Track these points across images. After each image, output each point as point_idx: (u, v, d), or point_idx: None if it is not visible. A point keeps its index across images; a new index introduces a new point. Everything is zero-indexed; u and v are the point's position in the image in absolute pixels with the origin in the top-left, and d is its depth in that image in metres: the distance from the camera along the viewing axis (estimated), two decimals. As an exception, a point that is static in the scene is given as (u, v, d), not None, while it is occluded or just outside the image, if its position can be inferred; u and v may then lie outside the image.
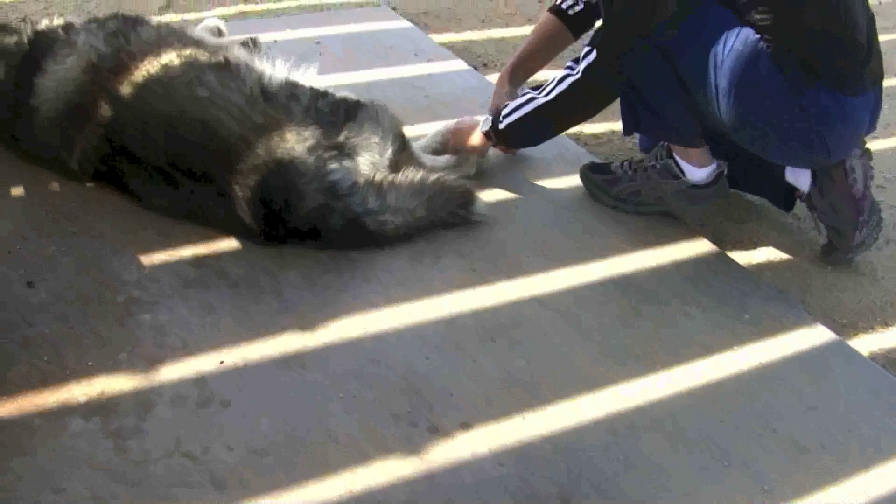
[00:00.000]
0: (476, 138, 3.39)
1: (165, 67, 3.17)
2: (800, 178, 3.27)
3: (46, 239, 3.01)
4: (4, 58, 3.33)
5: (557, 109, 3.17)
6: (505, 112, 3.27)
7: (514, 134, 3.30)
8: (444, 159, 3.44)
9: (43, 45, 3.31)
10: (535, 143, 3.48)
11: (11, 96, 3.28)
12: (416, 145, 3.42)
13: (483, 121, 3.37)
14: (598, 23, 3.19)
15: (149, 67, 3.16)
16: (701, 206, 3.29)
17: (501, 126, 3.27)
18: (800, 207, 3.45)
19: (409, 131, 3.40)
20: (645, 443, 2.49)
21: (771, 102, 2.92)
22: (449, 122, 3.55)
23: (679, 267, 3.15)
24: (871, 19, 3.03)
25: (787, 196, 3.39)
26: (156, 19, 3.60)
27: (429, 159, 3.40)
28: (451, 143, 3.48)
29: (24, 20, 3.44)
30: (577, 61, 3.10)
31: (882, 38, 3.11)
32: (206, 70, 3.17)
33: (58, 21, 3.44)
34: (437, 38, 4.73)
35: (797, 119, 2.93)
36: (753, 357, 2.80)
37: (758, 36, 2.87)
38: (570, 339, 2.80)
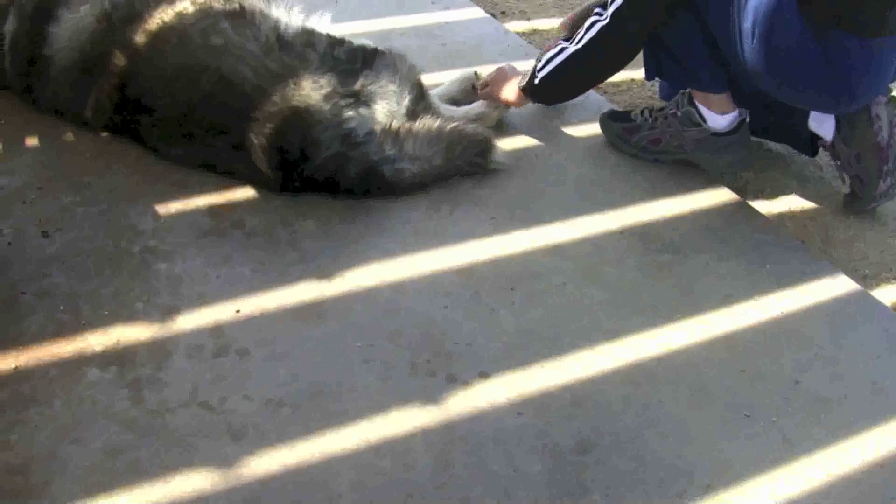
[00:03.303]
0: (511, 92, 3.34)
1: (179, 15, 3.14)
2: (823, 126, 3.22)
3: (62, 190, 3.01)
4: (18, 7, 3.31)
5: (588, 57, 3.10)
6: (539, 66, 3.21)
7: (550, 88, 3.24)
8: (462, 108, 3.40)
9: (56, -6, 3.28)
10: (571, 97, 3.42)
11: (25, 46, 3.26)
12: (433, 94, 3.39)
13: (521, 75, 3.32)
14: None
15: (163, 16, 3.13)
16: (722, 154, 3.25)
17: (537, 81, 3.22)
18: (822, 157, 3.40)
19: (426, 80, 3.35)
20: (665, 394, 2.47)
21: (793, 44, 2.86)
22: (467, 70, 3.54)
23: (699, 217, 3.11)
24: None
25: (811, 142, 3.34)
26: (170, -34, 3.57)
27: (446, 108, 3.37)
28: (485, 90, 3.44)
29: (37, -32, 3.41)
30: (604, 6, 3.05)
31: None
32: (221, 18, 3.14)
33: (71, -31, 3.41)
34: (455, -15, 4.68)
35: (820, 61, 2.88)
36: (775, 308, 2.77)
37: (780, -23, 2.83)
38: (588, 290, 2.77)
